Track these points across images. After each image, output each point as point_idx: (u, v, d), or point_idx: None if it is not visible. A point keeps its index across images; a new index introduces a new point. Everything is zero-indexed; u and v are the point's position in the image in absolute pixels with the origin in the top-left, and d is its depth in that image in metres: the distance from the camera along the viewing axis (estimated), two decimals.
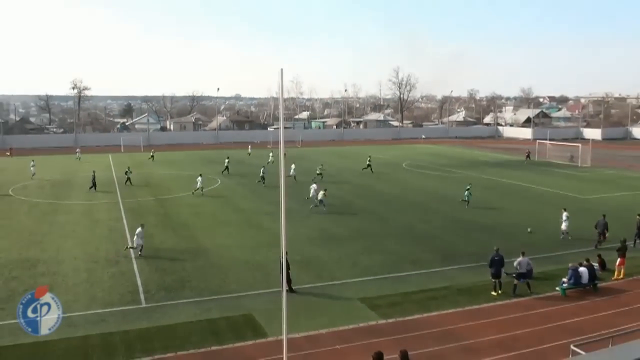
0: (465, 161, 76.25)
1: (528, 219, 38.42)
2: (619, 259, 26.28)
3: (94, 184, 49.30)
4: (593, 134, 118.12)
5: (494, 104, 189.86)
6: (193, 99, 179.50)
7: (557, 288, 23.97)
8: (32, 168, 58.25)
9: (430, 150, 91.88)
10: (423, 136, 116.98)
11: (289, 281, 23.61)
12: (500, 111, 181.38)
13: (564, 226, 32.87)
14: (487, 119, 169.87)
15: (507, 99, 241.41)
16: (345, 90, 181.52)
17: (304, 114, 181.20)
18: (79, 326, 19.76)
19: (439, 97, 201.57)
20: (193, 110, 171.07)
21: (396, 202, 44.66)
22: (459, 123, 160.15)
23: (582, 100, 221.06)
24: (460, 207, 42.28)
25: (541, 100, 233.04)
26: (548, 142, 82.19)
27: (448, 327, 20.07)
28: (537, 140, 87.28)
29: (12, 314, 18.97)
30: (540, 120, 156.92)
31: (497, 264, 23.76)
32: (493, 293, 23.54)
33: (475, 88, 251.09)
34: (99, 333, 19.23)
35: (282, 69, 13.29)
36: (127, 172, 52.63)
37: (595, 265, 25.64)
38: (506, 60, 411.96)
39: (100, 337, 18.96)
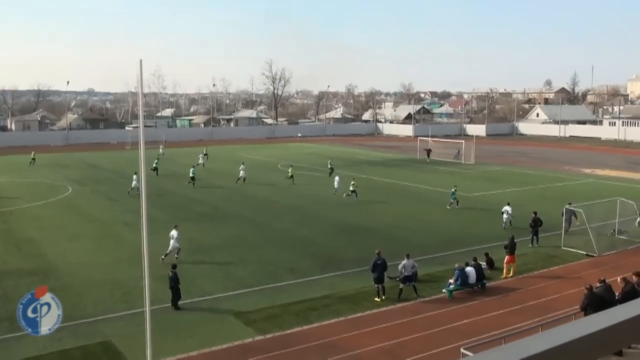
0: (344, 160, 77.33)
1: (411, 219, 39.81)
2: (507, 257, 27.63)
3: None
4: (477, 130, 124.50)
5: (373, 99, 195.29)
6: (38, 93, 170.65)
7: (443, 290, 24.88)
8: None
9: (307, 150, 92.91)
10: (299, 134, 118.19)
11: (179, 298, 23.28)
12: (380, 107, 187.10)
13: (506, 216, 36.29)
14: (366, 115, 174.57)
15: (387, 94, 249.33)
16: (214, 85, 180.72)
17: (168, 111, 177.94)
18: None
19: (316, 92, 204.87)
20: (39, 107, 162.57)
21: (272, 206, 44.74)
22: (336, 120, 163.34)
23: (465, 96, 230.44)
24: (340, 209, 43.12)
25: (422, 96, 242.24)
26: (430, 139, 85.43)
27: (330, 338, 20.28)
28: (419, 137, 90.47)
29: None
30: (421, 117, 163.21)
31: (379, 268, 24.27)
32: (377, 299, 24.06)
33: (353, 83, 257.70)
34: None
35: (141, 60, 12.95)
36: None
37: (483, 264, 26.85)
38: (385, 54, 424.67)
39: None
